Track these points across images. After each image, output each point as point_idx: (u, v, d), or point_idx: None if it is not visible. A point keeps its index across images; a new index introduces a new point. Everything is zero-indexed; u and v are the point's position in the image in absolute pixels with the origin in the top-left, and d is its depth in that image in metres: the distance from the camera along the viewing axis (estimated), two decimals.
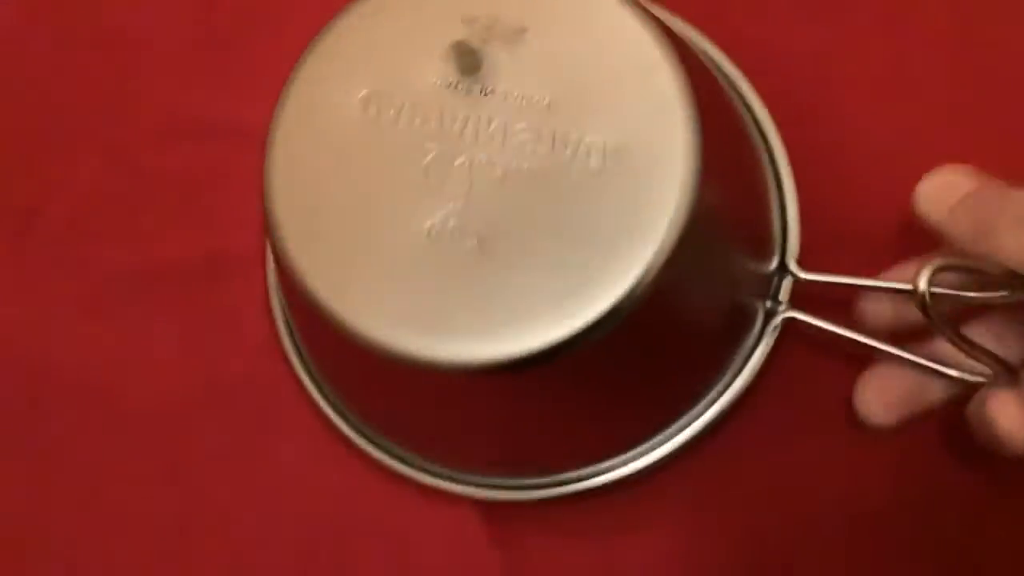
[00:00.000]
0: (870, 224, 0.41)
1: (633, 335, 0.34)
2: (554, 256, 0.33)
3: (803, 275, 0.39)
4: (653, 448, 0.39)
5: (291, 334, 0.42)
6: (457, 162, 0.34)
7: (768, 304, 0.39)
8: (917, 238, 0.37)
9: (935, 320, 0.35)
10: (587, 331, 0.33)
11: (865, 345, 0.38)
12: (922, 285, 0.34)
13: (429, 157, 0.34)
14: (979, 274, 0.35)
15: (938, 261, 0.34)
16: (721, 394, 0.39)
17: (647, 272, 0.32)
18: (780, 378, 0.40)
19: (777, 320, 0.39)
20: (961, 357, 0.36)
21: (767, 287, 0.39)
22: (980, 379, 0.37)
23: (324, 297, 0.34)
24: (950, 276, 0.35)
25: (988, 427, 0.35)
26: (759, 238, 0.39)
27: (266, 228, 0.35)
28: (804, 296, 0.39)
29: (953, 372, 0.37)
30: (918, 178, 0.37)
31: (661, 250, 0.33)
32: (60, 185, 0.45)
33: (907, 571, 0.40)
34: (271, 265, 0.43)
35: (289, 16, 0.44)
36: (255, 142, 0.43)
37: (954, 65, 0.43)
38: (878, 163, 0.42)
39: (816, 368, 0.41)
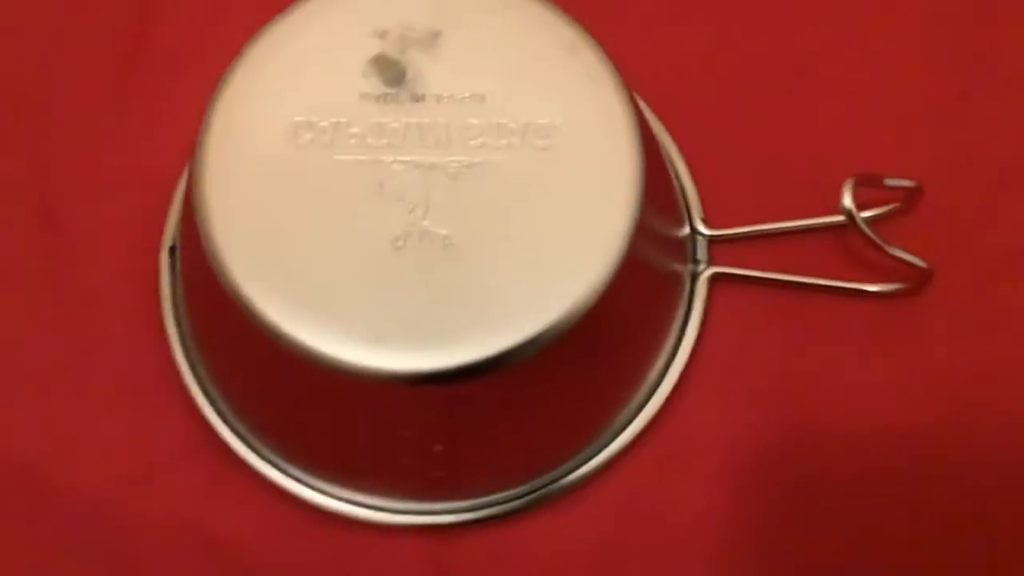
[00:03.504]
0: (769, 176, 0.42)
1: (601, 319, 0.34)
2: (522, 250, 0.33)
3: (714, 232, 0.41)
4: (617, 434, 0.40)
5: (205, 391, 0.39)
6: (408, 171, 0.34)
7: (690, 267, 0.41)
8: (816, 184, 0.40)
9: (864, 230, 0.38)
10: (560, 323, 0.33)
11: (787, 282, 0.41)
12: (847, 202, 0.37)
13: (379, 171, 0.34)
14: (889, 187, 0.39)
15: (854, 178, 0.38)
16: (672, 360, 0.40)
17: (617, 252, 0.33)
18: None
19: (702, 278, 0.41)
20: None
21: (686, 252, 0.41)
22: (899, 287, 0.40)
23: (289, 329, 0.32)
24: None
25: None
26: (672, 202, 0.41)
27: (210, 273, 0.33)
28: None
29: (872, 287, 0.40)
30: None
31: (627, 228, 0.33)
32: None
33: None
34: (172, 329, 0.40)
35: (215, 61, 0.42)
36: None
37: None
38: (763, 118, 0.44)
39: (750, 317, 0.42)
